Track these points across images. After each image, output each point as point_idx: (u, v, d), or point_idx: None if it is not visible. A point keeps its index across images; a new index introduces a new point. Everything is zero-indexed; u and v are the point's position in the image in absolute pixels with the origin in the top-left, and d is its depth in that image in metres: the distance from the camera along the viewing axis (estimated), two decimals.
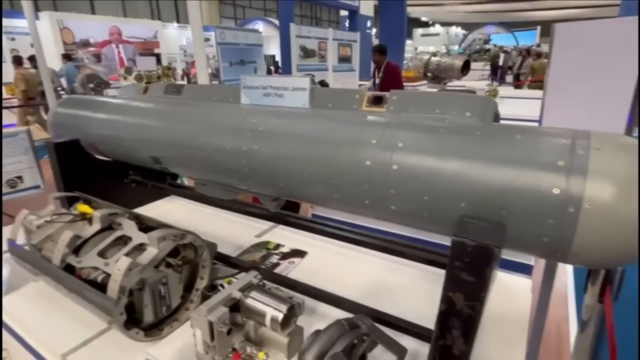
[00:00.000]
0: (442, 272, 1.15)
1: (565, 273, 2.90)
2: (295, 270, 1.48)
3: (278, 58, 13.15)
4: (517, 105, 5.29)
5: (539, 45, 13.47)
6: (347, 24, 11.46)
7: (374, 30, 13.30)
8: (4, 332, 1.32)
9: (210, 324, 0.94)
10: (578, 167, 0.79)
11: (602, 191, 0.76)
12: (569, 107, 1.31)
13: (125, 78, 6.07)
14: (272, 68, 12.91)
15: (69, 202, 1.56)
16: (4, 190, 2.08)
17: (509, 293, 1.31)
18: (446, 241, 0.92)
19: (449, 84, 8.61)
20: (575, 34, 1.24)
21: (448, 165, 0.90)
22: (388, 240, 1.45)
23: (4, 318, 1.30)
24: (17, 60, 7.13)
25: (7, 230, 1.54)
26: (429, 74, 8.66)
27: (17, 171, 2.12)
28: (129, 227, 1.23)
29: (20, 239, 1.35)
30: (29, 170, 2.14)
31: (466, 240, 0.79)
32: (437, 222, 0.96)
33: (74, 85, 7.06)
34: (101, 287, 1.05)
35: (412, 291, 1.35)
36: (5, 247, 1.39)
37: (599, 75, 1.22)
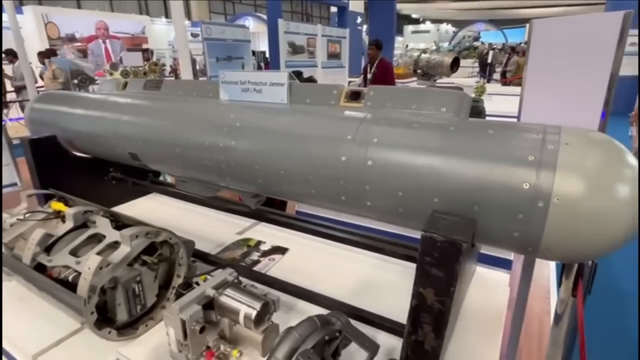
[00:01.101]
0: (412, 264, 1.16)
1: (548, 267, 2.95)
2: (275, 268, 1.47)
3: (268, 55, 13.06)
4: (503, 101, 5.33)
5: (527, 43, 13.56)
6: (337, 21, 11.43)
7: (364, 27, 13.29)
8: None
9: (183, 323, 0.92)
10: (547, 161, 0.79)
11: (570, 186, 0.76)
12: (546, 102, 1.32)
13: (111, 74, 5.98)
14: (262, 64, 12.78)
15: (46, 200, 1.53)
16: None
17: (487, 288, 1.32)
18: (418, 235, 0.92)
19: (438, 80, 8.65)
20: (552, 30, 1.25)
21: (422, 161, 0.90)
22: (368, 236, 1.46)
23: None
24: None
25: None
26: (418, 71, 8.69)
27: None
28: (103, 225, 1.21)
29: None
30: (5, 167, 2.09)
31: (435, 236, 0.79)
32: (412, 218, 0.96)
33: (59, 81, 6.91)
34: (72, 286, 1.03)
35: (393, 288, 1.34)
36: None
37: (574, 70, 1.23)
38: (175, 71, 10.29)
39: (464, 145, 0.88)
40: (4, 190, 2.08)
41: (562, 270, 1.09)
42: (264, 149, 1.18)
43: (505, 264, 1.54)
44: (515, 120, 1.28)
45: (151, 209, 2.08)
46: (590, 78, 1.21)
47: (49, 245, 1.18)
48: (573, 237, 0.79)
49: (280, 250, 1.58)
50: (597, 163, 0.78)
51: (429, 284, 0.80)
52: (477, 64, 11.79)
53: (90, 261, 0.99)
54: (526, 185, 0.79)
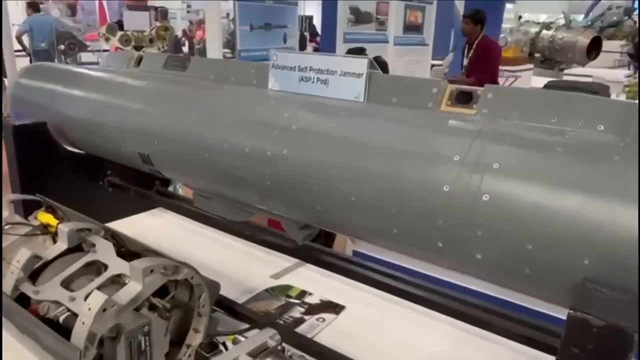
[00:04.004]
0: (542, 355, 1.12)
1: None
2: (327, 332, 1.50)
3: (316, 21, 13.35)
4: None
5: None
6: None
7: None
8: None
9: None
10: None
11: None
12: None
13: (107, 39, 6.38)
14: (307, 34, 13.13)
15: (27, 207, 1.66)
16: None
17: None
18: (556, 312, 0.90)
19: (566, 70, 8.42)
20: None
21: (567, 202, 0.89)
22: (463, 300, 1.44)
23: None
24: None
25: None
26: (536, 55, 8.54)
27: None
28: (104, 250, 1.30)
29: None
30: None
31: (590, 318, 0.78)
32: (545, 285, 0.96)
33: (41, 45, 7.56)
34: (63, 329, 1.11)
35: None
36: None
37: None
38: (190, 39, 10.81)
39: (635, 184, 0.86)
40: None
41: None
42: (328, 164, 1.22)
43: None
44: None
45: (154, 229, 2.20)
46: None
47: (34, 271, 1.28)
48: None
49: (333, 307, 1.61)
50: None
51: None
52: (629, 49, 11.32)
53: (92, 300, 1.06)
54: None
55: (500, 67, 7.32)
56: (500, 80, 7.29)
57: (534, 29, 8.57)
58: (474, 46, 5.79)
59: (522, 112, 1.08)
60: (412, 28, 7.69)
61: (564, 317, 0.83)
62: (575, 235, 0.88)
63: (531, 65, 8.49)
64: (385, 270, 1.60)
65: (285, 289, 1.72)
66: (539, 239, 0.91)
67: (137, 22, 7.23)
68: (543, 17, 12.30)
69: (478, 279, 1.09)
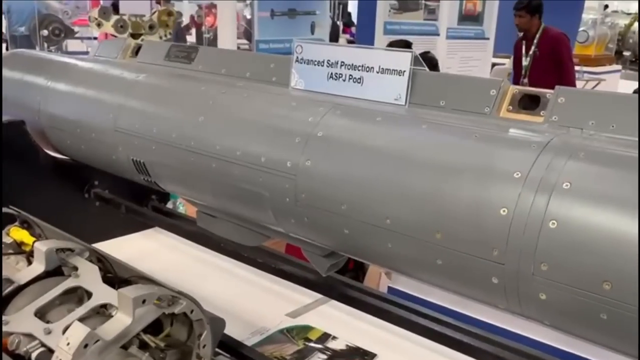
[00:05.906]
0: None
1: None
2: None
3: (352, 8, 13.46)
4: None
5: None
6: None
7: None
8: None
9: None
10: None
11: None
12: None
13: (99, 25, 6.52)
14: (340, 24, 13.25)
15: None
16: None
17: None
18: None
19: None
20: None
21: None
22: (522, 352, 1.42)
23: None
24: None
25: None
26: (626, 53, 8.43)
27: None
28: (88, 275, 1.32)
29: None
30: None
31: None
32: (625, 335, 0.94)
33: (20, 30, 7.74)
34: None
35: None
36: None
37: None
38: (198, 26, 10.96)
39: None
40: None
41: None
42: (360, 179, 1.23)
43: None
44: None
45: (149, 254, 2.22)
46: None
47: (4, 297, 1.32)
48: None
49: (362, 355, 1.61)
50: None
51: None
52: None
53: (72, 333, 1.09)
54: None
55: (578, 68, 7.23)
56: (579, 84, 7.20)
57: (623, 21, 8.47)
58: (535, 41, 5.77)
59: (602, 120, 1.08)
60: (469, 18, 7.67)
61: None
62: None
63: (619, 67, 8.36)
64: (426, 311, 1.60)
65: (304, 331, 1.72)
66: (618, 278, 0.90)
67: (136, 4, 7.33)
68: (635, 7, 12.12)
69: (541, 326, 1.08)
